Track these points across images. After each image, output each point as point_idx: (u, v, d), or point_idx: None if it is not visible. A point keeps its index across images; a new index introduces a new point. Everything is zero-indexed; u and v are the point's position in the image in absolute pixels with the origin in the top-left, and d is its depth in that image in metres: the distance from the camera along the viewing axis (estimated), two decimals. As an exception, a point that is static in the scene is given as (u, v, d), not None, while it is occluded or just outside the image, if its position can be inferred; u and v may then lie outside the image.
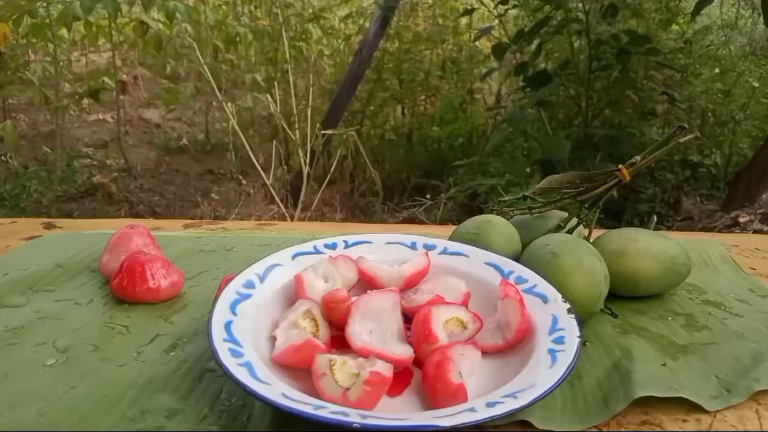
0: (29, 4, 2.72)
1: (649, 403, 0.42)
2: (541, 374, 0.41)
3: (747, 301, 0.59)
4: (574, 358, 0.41)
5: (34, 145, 3.72)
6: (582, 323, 0.46)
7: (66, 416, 0.40)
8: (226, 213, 3.11)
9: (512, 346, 0.46)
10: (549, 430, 0.39)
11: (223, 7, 4.19)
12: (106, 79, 3.25)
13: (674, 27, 2.97)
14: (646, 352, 0.48)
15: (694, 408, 0.42)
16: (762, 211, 2.36)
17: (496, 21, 2.62)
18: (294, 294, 0.50)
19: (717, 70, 2.96)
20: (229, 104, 3.26)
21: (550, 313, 0.47)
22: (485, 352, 0.45)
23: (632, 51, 2.04)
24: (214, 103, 3.95)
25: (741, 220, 2.31)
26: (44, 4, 2.74)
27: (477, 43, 3.77)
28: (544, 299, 0.49)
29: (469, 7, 3.25)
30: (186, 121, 4.38)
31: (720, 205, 2.73)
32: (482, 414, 0.36)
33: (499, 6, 2.47)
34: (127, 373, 0.45)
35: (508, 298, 0.46)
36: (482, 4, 2.86)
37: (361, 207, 3.26)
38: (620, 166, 0.61)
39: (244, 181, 3.55)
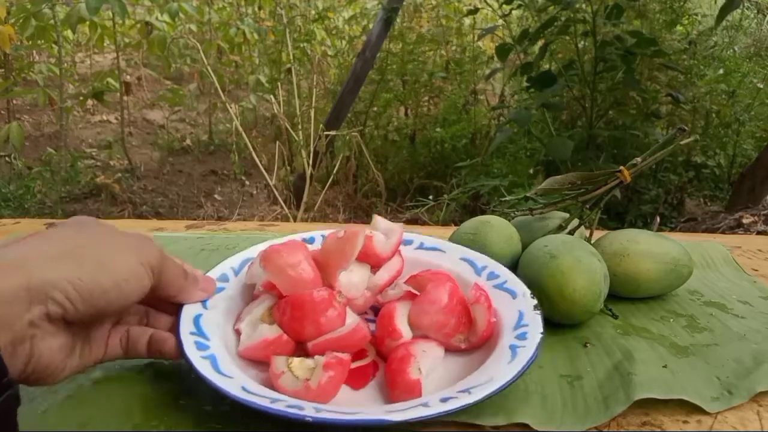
0: (35, 6, 2.73)
1: (649, 404, 0.42)
2: (499, 369, 0.41)
3: (749, 303, 0.59)
4: (533, 354, 0.41)
5: (39, 145, 3.74)
6: (545, 318, 0.46)
7: (66, 415, 0.40)
8: (229, 214, 3.12)
9: (474, 348, 0.47)
10: (549, 431, 0.39)
11: (227, 8, 4.20)
12: (110, 80, 3.26)
13: (678, 28, 2.96)
14: (647, 353, 0.48)
15: (695, 409, 0.42)
16: (766, 212, 2.35)
17: (500, 21, 2.62)
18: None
19: (721, 71, 2.94)
20: (233, 105, 3.26)
21: (517, 309, 0.48)
22: (448, 351, 0.47)
23: (638, 53, 2.03)
24: (218, 104, 3.96)
25: (745, 221, 2.30)
26: (49, 6, 2.75)
27: (480, 43, 3.77)
28: (513, 295, 0.50)
29: (473, 8, 3.25)
30: (189, 122, 4.39)
31: (723, 206, 2.72)
32: (435, 409, 0.36)
33: (504, 6, 2.46)
34: (127, 372, 0.45)
35: (477, 304, 0.47)
36: (486, 3, 2.85)
37: (364, 208, 3.26)
38: (621, 167, 0.61)
39: (247, 182, 3.55)
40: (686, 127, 0.61)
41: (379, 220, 0.54)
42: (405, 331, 0.45)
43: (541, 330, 0.44)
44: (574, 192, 0.62)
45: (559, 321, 0.53)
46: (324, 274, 0.48)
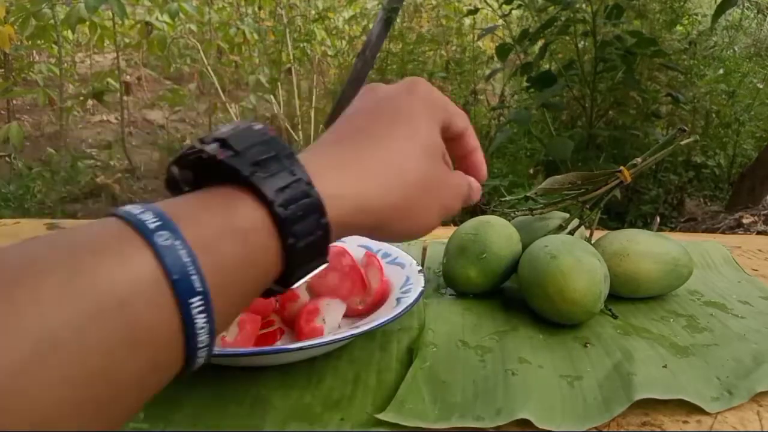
0: (34, 6, 2.73)
1: (649, 404, 0.42)
2: (384, 314, 0.46)
3: (749, 303, 0.59)
4: (414, 300, 0.47)
5: (39, 146, 3.74)
6: (427, 280, 0.53)
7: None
8: (230, 214, 3.11)
9: (371, 309, 0.51)
10: (549, 431, 0.39)
11: (227, 8, 4.20)
12: (110, 80, 3.27)
13: (678, 28, 2.96)
14: (647, 353, 0.48)
15: (695, 409, 0.42)
16: (766, 212, 2.35)
17: (500, 21, 2.62)
18: None
19: (721, 71, 2.94)
20: (233, 105, 3.26)
21: (405, 275, 0.54)
22: (349, 316, 0.51)
23: (638, 53, 2.03)
24: (218, 104, 3.96)
25: (745, 221, 2.30)
26: (49, 5, 2.75)
27: (480, 43, 3.77)
28: (402, 266, 0.56)
29: (473, 8, 3.25)
30: (189, 122, 4.38)
31: (724, 206, 2.72)
32: (326, 339, 0.43)
33: (504, 6, 2.46)
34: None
35: (370, 266, 0.53)
36: (486, 3, 2.85)
37: (364, 208, 3.25)
38: (621, 167, 0.61)
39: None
40: (686, 127, 0.61)
41: None
42: (303, 295, 0.50)
43: (422, 284, 0.50)
44: (574, 192, 0.62)
45: (559, 321, 0.53)
46: None
